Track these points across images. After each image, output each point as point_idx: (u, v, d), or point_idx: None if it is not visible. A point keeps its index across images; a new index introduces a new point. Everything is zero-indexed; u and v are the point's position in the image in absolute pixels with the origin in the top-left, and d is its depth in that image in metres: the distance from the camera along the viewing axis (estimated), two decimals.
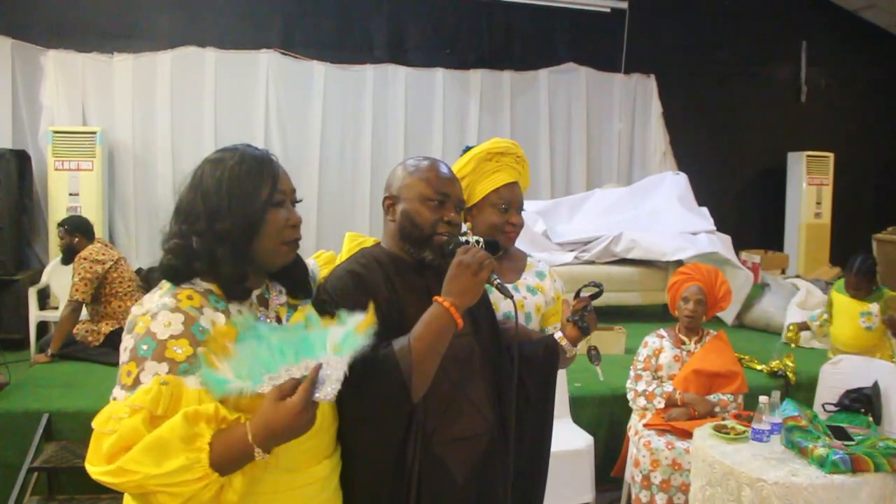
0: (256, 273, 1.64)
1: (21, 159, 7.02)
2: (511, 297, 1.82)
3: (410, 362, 1.64)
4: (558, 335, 2.08)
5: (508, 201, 2.31)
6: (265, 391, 1.43)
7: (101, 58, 7.62)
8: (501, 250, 2.30)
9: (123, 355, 1.47)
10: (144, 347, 1.45)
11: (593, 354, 2.12)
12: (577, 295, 2.09)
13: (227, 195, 1.55)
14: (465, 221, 2.36)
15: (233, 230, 1.55)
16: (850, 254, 5.02)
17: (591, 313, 2.06)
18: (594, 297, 2.09)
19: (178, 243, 1.56)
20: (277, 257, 1.62)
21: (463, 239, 1.87)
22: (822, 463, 2.90)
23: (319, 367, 1.43)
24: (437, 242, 1.85)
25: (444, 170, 1.93)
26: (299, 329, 1.55)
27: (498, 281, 1.81)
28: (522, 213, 2.36)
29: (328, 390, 1.43)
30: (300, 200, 1.70)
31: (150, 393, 1.39)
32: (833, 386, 4.23)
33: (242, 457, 1.40)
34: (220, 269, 1.54)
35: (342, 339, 1.48)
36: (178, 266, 1.55)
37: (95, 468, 1.38)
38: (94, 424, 1.41)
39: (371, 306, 1.59)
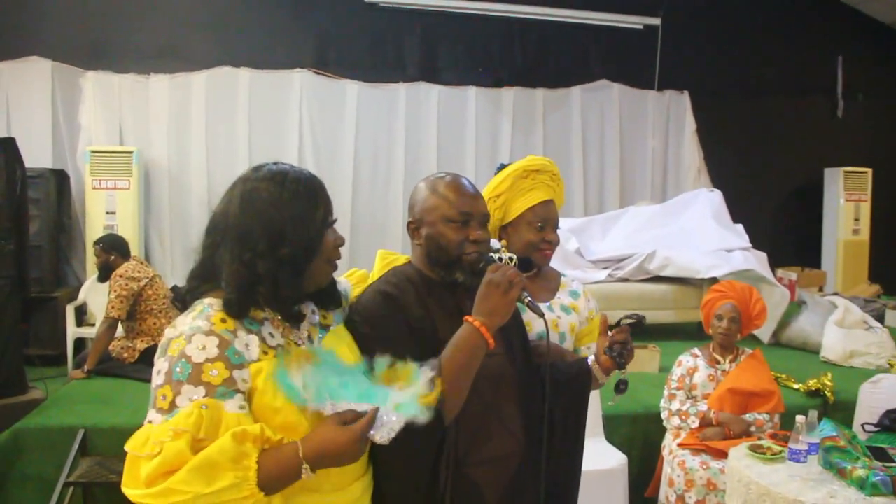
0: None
1: (60, 178, 7.15)
2: (542, 316, 1.80)
3: (441, 385, 1.63)
4: (591, 359, 2.03)
5: (544, 219, 2.31)
6: (325, 411, 1.47)
7: (138, 78, 7.76)
8: (535, 268, 2.29)
9: (157, 378, 1.47)
10: (179, 370, 1.44)
11: (622, 388, 2.05)
12: (618, 324, 2.05)
13: (291, 217, 1.55)
14: (501, 239, 2.36)
15: (297, 253, 1.55)
16: (889, 270, 4.90)
17: (630, 348, 1.99)
18: (634, 326, 2.04)
19: (241, 271, 1.53)
20: (324, 277, 1.65)
21: (496, 256, 1.86)
22: (861, 485, 2.84)
23: (377, 409, 1.47)
24: (466, 262, 1.83)
25: (464, 187, 1.89)
26: (366, 378, 1.56)
27: (529, 299, 1.79)
28: (562, 229, 2.36)
29: (384, 434, 1.46)
30: (336, 220, 1.70)
31: (192, 416, 1.39)
32: (873, 406, 4.15)
33: (291, 474, 1.43)
34: (282, 292, 1.55)
35: (404, 402, 1.50)
36: (242, 299, 1.53)
37: (135, 491, 1.39)
38: (128, 448, 1.41)
39: (439, 384, 1.59)
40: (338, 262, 1.70)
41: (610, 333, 2.02)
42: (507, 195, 2.33)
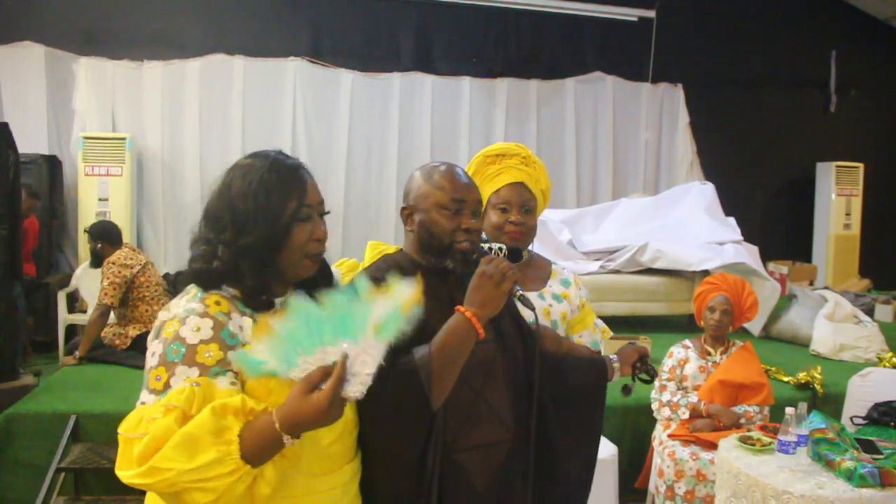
0: (281, 282, 1.64)
1: (52, 164, 7.12)
2: (533, 309, 1.82)
3: (430, 371, 1.64)
4: (614, 357, 2.14)
5: (507, 201, 2.32)
6: (297, 376, 1.42)
7: (132, 65, 7.74)
8: (523, 258, 2.30)
9: (152, 360, 1.47)
10: (174, 352, 1.45)
11: (628, 391, 2.22)
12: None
13: (254, 208, 1.55)
14: None
15: (257, 244, 1.54)
16: (880, 265, 4.93)
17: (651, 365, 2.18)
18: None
19: (207, 250, 1.57)
20: (300, 270, 1.62)
21: (486, 247, 1.87)
22: (849, 476, 2.87)
23: (345, 360, 1.41)
24: (458, 251, 1.84)
25: (458, 176, 1.90)
26: (348, 300, 1.49)
27: (520, 292, 1.81)
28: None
29: (357, 388, 1.42)
30: (328, 212, 1.68)
31: (184, 393, 1.39)
32: (861, 399, 4.18)
33: (272, 445, 1.39)
34: (244, 280, 1.55)
35: (385, 317, 1.46)
36: (206, 272, 1.55)
37: (127, 472, 1.37)
38: (120, 430, 1.40)
39: (420, 279, 1.57)
40: (325, 253, 1.68)
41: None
42: (475, 182, 2.33)
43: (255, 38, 8.12)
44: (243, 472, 1.37)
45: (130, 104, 7.75)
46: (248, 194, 1.55)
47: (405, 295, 1.51)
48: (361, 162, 8.43)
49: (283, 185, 1.58)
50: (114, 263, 5.06)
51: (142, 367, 1.51)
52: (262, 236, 1.55)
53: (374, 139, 8.47)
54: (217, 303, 1.52)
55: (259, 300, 1.57)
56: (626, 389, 2.20)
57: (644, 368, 2.16)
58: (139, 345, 4.98)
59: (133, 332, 5.08)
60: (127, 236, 6.26)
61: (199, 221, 1.63)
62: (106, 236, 5.24)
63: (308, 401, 1.39)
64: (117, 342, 5.06)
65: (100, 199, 7.15)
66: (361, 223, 8.27)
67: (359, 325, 1.45)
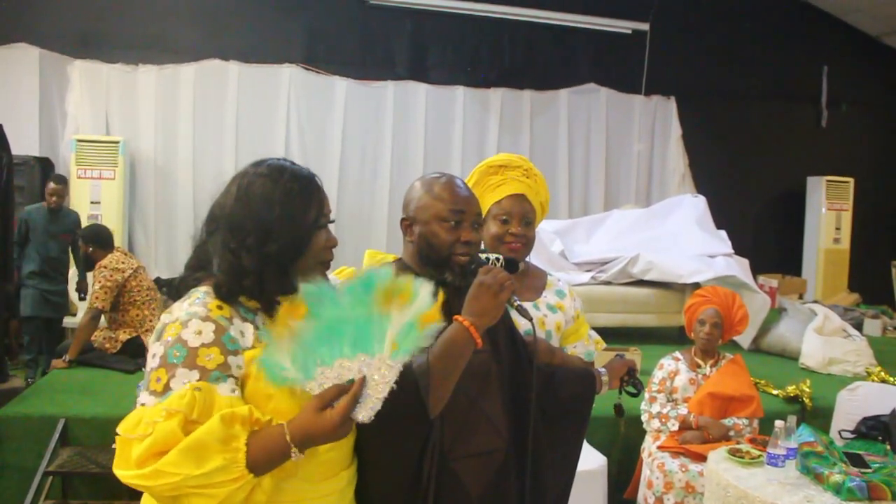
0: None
1: (45, 166, 7.10)
2: (530, 319, 1.82)
3: (428, 380, 1.65)
4: (603, 371, 2.16)
5: (508, 212, 2.32)
6: (313, 390, 1.46)
7: (126, 69, 7.74)
8: (519, 268, 2.31)
9: (152, 362, 1.48)
10: (175, 354, 1.45)
11: (621, 411, 2.28)
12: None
13: (280, 215, 1.56)
14: None
15: (281, 251, 1.56)
16: (869, 280, 4.96)
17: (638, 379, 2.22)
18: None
19: (229, 259, 1.56)
20: (312, 276, 1.63)
21: (483, 257, 1.87)
22: (837, 490, 2.88)
23: (363, 380, 1.46)
24: (456, 263, 1.85)
25: (459, 188, 1.90)
26: (369, 301, 1.50)
27: (518, 303, 1.82)
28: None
29: (367, 412, 1.46)
30: (333, 221, 1.70)
31: (185, 398, 1.40)
32: (850, 413, 4.20)
33: (279, 456, 1.43)
34: (266, 286, 1.56)
35: (403, 332, 1.48)
36: (230, 283, 1.55)
37: (126, 472, 1.39)
38: (120, 430, 1.41)
39: (441, 295, 1.57)
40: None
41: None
42: (476, 191, 2.34)
43: (250, 43, 8.13)
44: (246, 481, 1.40)
45: (124, 108, 7.75)
46: (274, 202, 1.57)
47: (425, 306, 1.52)
48: (355, 169, 8.44)
49: (305, 193, 1.61)
50: (105, 267, 5.05)
51: (131, 371, 1.53)
52: (286, 243, 1.57)
53: (367, 147, 8.48)
54: (219, 307, 1.53)
55: (275, 308, 1.58)
56: (618, 409, 2.27)
57: (631, 382, 2.18)
58: (129, 349, 4.97)
59: (123, 336, 5.06)
60: (118, 240, 6.23)
61: (206, 228, 1.63)
62: (98, 240, 5.23)
63: (321, 417, 1.43)
64: (107, 346, 5.04)
65: (92, 203, 7.14)
66: (354, 230, 8.25)
67: (377, 338, 1.48)
